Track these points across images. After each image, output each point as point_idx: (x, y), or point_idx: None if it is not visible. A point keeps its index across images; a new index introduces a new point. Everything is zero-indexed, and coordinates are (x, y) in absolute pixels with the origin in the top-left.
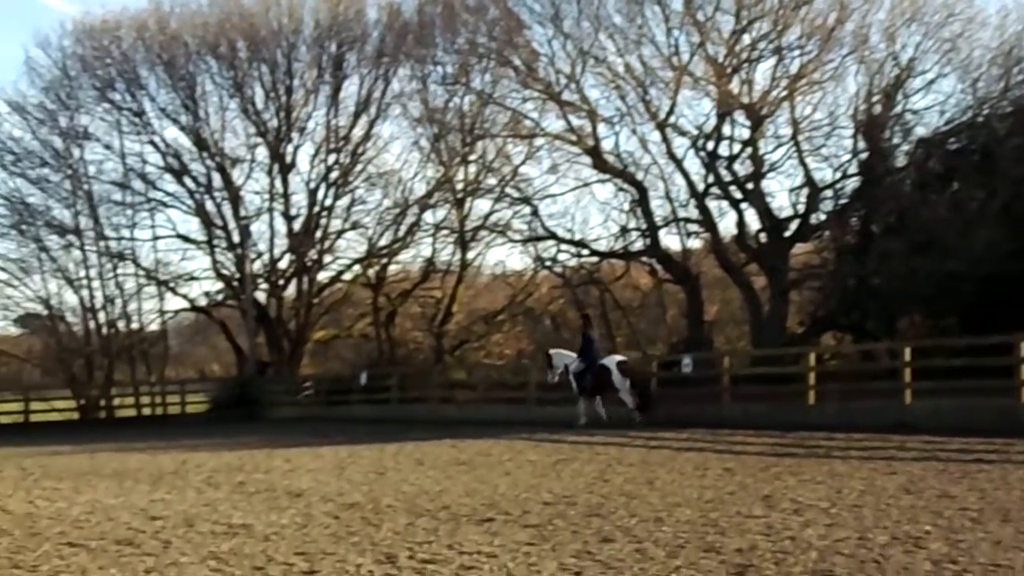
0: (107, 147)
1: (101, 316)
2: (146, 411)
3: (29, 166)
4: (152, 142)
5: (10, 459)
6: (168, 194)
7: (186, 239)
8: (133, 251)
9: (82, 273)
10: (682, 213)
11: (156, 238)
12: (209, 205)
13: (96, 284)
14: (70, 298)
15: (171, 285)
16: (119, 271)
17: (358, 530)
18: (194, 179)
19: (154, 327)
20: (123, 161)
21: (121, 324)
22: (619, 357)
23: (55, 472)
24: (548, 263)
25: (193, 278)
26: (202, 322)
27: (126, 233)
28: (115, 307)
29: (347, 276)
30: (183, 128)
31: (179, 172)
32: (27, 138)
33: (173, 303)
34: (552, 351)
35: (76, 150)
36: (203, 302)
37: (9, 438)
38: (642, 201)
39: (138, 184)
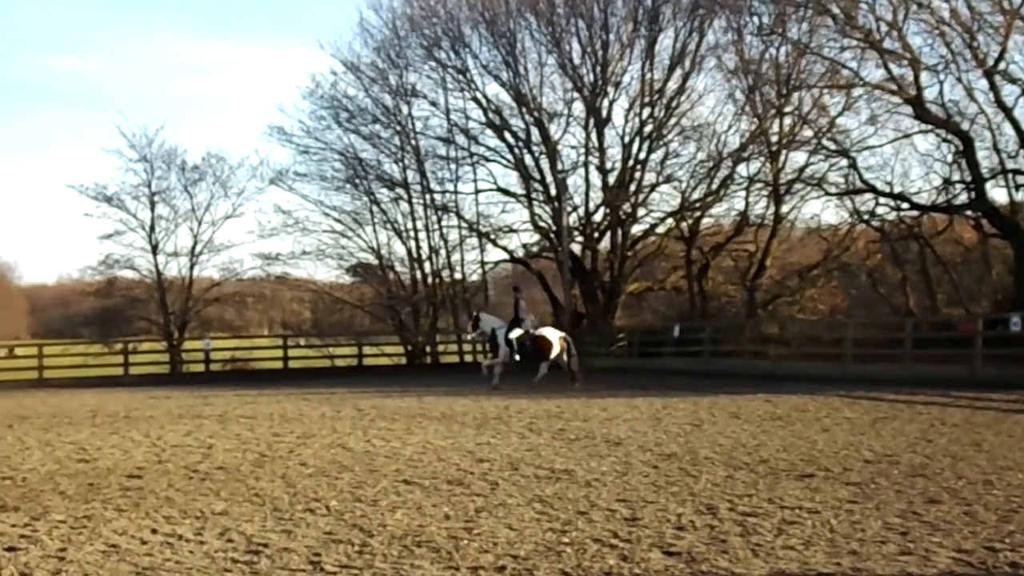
0: (433, 104)
1: (427, 266)
2: (467, 358)
3: (362, 123)
4: (475, 98)
5: (347, 400)
6: (489, 149)
7: (506, 192)
8: (456, 204)
9: (409, 225)
10: (1011, 164)
11: (478, 191)
12: (528, 159)
13: (422, 235)
14: (398, 248)
15: (491, 237)
16: (443, 223)
17: (677, 480)
18: (514, 134)
19: (475, 277)
20: (447, 117)
21: (445, 274)
22: (560, 332)
23: (388, 413)
24: (865, 217)
25: (512, 230)
26: (519, 273)
27: (450, 187)
28: (439, 257)
29: (660, 229)
30: (504, 84)
31: (500, 127)
32: (360, 96)
33: (493, 254)
34: (481, 314)
35: (404, 107)
36: (521, 254)
37: (345, 380)
38: (967, 152)
39: (461, 139)
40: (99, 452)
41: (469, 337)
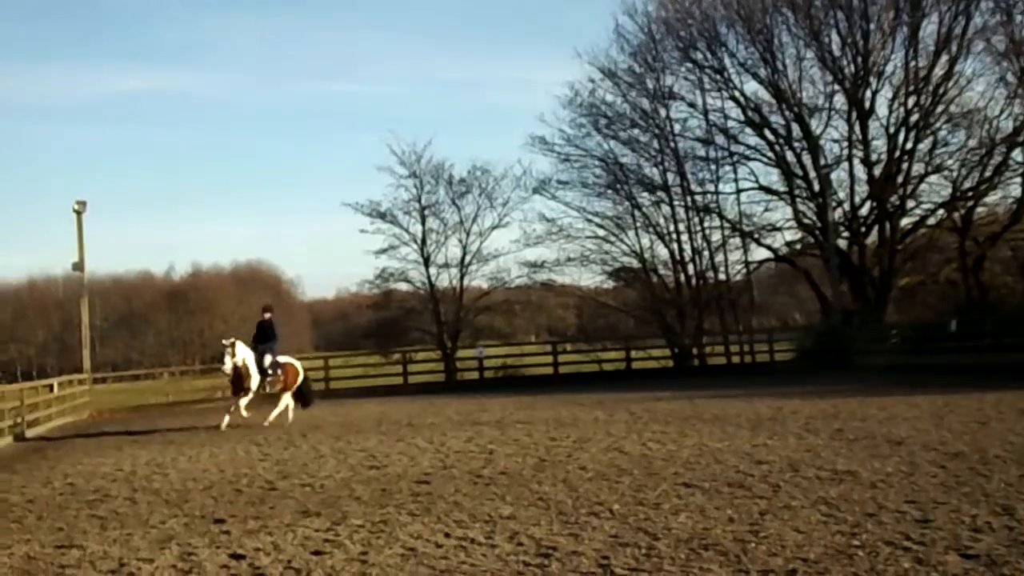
0: (691, 105)
1: (690, 268)
2: (735, 359)
3: (621, 128)
4: (733, 97)
5: (619, 404)
6: (749, 147)
7: (768, 190)
8: (718, 204)
9: (671, 227)
10: None
11: (739, 191)
12: (789, 156)
13: (684, 237)
14: (661, 251)
15: (755, 236)
16: (705, 224)
17: (967, 480)
18: (773, 131)
19: (739, 278)
20: (706, 118)
21: (709, 275)
22: (295, 359)
23: (660, 416)
24: None
25: (775, 228)
26: (784, 271)
27: (710, 187)
28: (703, 259)
29: (931, 221)
30: (762, 81)
31: (759, 125)
32: (618, 102)
33: (757, 254)
34: (236, 342)
35: (662, 110)
36: (785, 252)
37: (614, 384)
38: None
39: (720, 139)
40: (388, 459)
41: (226, 369)
